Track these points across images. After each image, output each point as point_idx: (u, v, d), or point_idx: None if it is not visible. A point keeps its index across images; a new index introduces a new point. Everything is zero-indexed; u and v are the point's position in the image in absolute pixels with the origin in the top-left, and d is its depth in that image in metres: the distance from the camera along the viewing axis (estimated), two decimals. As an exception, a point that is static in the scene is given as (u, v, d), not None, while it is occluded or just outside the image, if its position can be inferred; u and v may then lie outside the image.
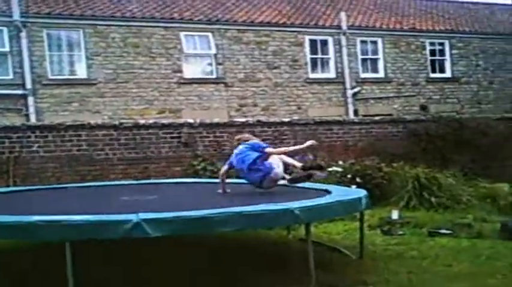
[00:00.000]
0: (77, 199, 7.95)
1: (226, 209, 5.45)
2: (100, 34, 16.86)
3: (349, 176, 11.21)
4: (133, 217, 4.92)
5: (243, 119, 13.98)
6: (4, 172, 11.13)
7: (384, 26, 21.21)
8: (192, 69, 18.21)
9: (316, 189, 7.70)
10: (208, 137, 12.79)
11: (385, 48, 20.92)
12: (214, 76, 18.32)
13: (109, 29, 16.97)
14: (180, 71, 17.72)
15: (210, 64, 18.47)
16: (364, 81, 20.40)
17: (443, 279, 6.01)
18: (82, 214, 5.18)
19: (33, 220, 4.94)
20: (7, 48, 15.92)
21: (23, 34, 15.86)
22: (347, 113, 19.43)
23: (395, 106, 20.56)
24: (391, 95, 20.71)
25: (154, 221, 4.99)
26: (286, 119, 14.28)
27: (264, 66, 18.83)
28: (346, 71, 19.93)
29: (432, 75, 21.71)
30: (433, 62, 21.87)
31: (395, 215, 8.99)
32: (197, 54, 18.43)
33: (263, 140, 12.98)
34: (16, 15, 15.69)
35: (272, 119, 14.44)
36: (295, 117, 16.00)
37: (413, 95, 21.04)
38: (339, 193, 7.04)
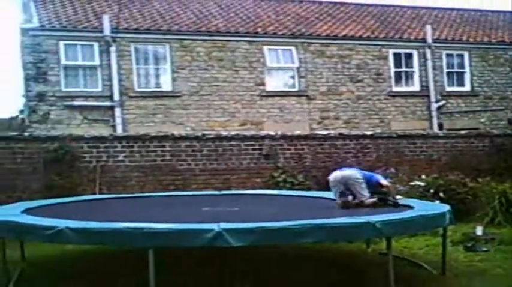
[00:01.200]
0: (161, 208, 8.21)
1: (307, 221, 5.51)
2: (185, 48, 17.32)
3: (431, 190, 10.96)
4: (215, 227, 5.06)
5: (325, 132, 13.98)
6: (91, 180, 11.62)
7: (471, 39, 20.68)
8: (274, 83, 18.36)
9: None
10: (290, 149, 12.88)
11: (472, 62, 20.37)
12: (296, 89, 18.40)
13: (194, 43, 17.39)
14: (263, 84, 17.92)
15: (293, 77, 18.56)
16: (450, 94, 19.92)
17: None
18: (165, 222, 5.37)
19: (120, 227, 5.18)
20: (97, 62, 16.59)
21: (113, 49, 16.52)
22: (431, 127, 19.02)
23: (482, 120, 19.95)
24: (478, 109, 20.11)
25: (236, 231, 5.14)
26: (369, 133, 14.17)
27: (347, 80, 18.75)
28: (431, 85, 19.53)
29: (521, 89, 20.91)
30: (522, 75, 21.06)
31: (479, 231, 8.73)
32: (280, 68, 18.57)
33: (345, 153, 13.08)
34: (107, 31, 16.37)
35: (354, 132, 14.34)
36: (378, 130, 15.82)
37: (501, 109, 20.32)
38: (422, 208, 6.94)
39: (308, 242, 5.80)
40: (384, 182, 7.86)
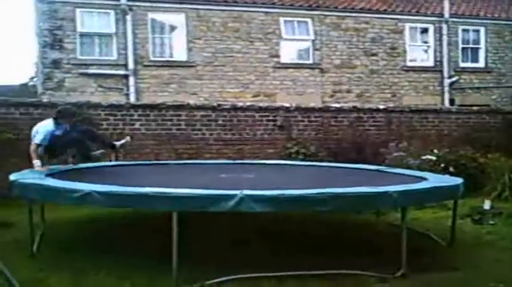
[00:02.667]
0: (179, 175, 8.43)
1: (327, 189, 5.70)
2: (201, 18, 17.38)
3: (442, 165, 11.13)
4: (238, 193, 5.29)
5: (339, 105, 14.11)
6: (108, 148, 11.82)
7: (488, 15, 20.57)
8: (288, 54, 18.45)
9: (412, 175, 7.82)
10: (303, 121, 13.05)
11: (488, 38, 20.34)
12: (310, 62, 18.49)
13: (210, 13, 17.45)
14: (277, 56, 18.01)
15: (307, 49, 18.63)
16: (463, 70, 19.96)
17: (534, 269, 5.99)
18: (187, 188, 5.59)
19: (147, 191, 5.42)
20: (113, 30, 16.72)
21: (129, 17, 16.63)
22: (443, 103, 19.11)
23: (494, 97, 19.99)
24: (490, 85, 20.15)
25: (258, 198, 5.36)
26: (382, 106, 14.29)
27: (361, 53, 18.81)
28: (445, 60, 19.58)
29: (536, 65, 20.89)
30: (537, 52, 21.00)
31: (487, 205, 8.91)
32: (295, 39, 18.63)
33: (358, 126, 13.24)
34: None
35: (368, 106, 14.46)
36: (390, 104, 15.93)
37: (514, 86, 20.37)
38: (436, 180, 7.11)
39: (328, 210, 5.99)
40: None
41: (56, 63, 16.08)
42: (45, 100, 12.76)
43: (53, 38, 16.10)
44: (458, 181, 7.00)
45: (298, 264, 5.85)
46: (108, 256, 6.29)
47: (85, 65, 16.33)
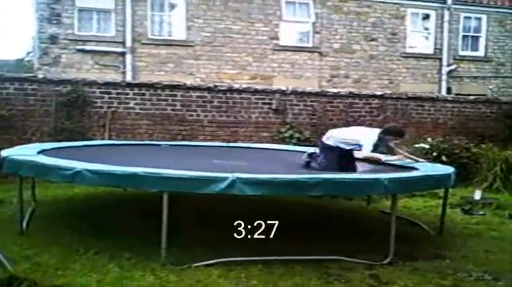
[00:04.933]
0: (171, 156, 8.44)
1: (319, 175, 5.77)
2: (201, -4, 17.27)
3: (435, 153, 11.17)
4: (229, 175, 5.32)
5: (335, 90, 14.07)
6: (101, 126, 11.80)
7: (492, 2, 20.38)
8: (288, 37, 18.33)
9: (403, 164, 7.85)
10: (299, 105, 13.01)
11: (489, 26, 20.24)
12: (310, 45, 18.41)
13: (210, -8, 17.32)
14: (277, 38, 17.91)
15: (307, 32, 18.53)
16: (462, 59, 19.89)
17: (520, 260, 6.05)
18: (180, 169, 5.60)
19: (138, 171, 5.43)
20: (112, 6, 16.56)
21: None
22: (439, 91, 19.06)
23: (491, 87, 19.90)
24: (489, 74, 20.11)
25: (249, 181, 5.40)
26: (378, 93, 14.27)
27: (361, 38, 18.72)
28: (445, 48, 19.51)
29: (535, 56, 20.84)
30: (538, 43, 20.94)
31: (478, 195, 8.97)
32: (295, 22, 18.52)
33: (354, 111, 13.23)
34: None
35: (364, 92, 14.44)
36: (387, 91, 15.91)
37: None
38: (427, 169, 7.14)
39: (320, 194, 6.02)
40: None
41: (53, 39, 15.97)
42: (40, 76, 12.69)
43: (51, 12, 15.96)
44: (450, 169, 7.04)
45: (285, 249, 5.90)
46: (98, 235, 6.32)
47: (82, 41, 16.22)
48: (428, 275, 5.40)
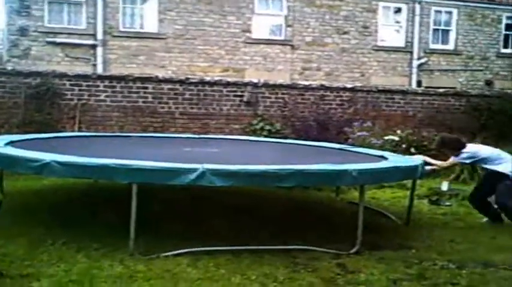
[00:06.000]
0: (142, 148, 8.41)
1: (288, 166, 5.79)
2: (175, -11, 17.18)
3: (404, 145, 11.30)
4: (199, 167, 5.33)
5: (306, 82, 14.15)
6: (71, 118, 11.75)
7: (462, -4, 20.67)
8: (260, 30, 18.36)
9: (372, 155, 7.95)
10: (270, 97, 13.07)
11: (459, 20, 20.48)
12: (282, 38, 18.46)
13: (184, -15, 17.26)
14: (249, 31, 17.92)
15: (280, 25, 18.56)
16: (433, 52, 20.13)
17: (485, 249, 6.18)
18: (149, 160, 5.60)
19: (107, 163, 5.43)
20: (83, -2, 16.46)
21: (97, -15, 16.33)
22: (410, 84, 19.28)
23: (461, 80, 20.24)
24: (458, 68, 20.38)
25: (219, 172, 5.41)
26: (349, 85, 14.38)
27: (333, 31, 18.82)
28: (416, 41, 19.73)
29: (503, 50, 21.15)
30: (506, 36, 21.22)
31: (445, 186, 9.09)
32: (268, 15, 18.53)
33: (325, 104, 13.33)
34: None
35: (335, 85, 14.53)
36: (358, 84, 16.03)
37: (481, 70, 20.62)
38: (396, 160, 7.25)
39: (289, 185, 6.06)
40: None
41: (22, 31, 15.80)
42: (9, 68, 12.55)
43: (20, 4, 15.78)
44: (418, 161, 7.14)
45: (254, 239, 5.95)
46: (66, 226, 6.28)
47: (53, 33, 16.07)
48: (394, 264, 5.49)
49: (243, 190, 7.89)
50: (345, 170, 5.89)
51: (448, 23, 20.54)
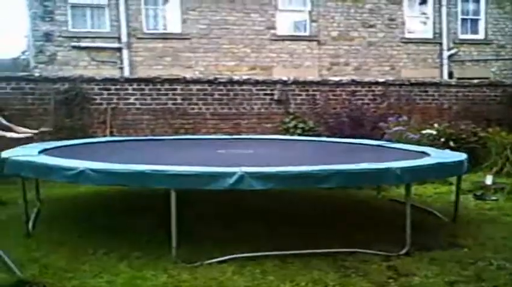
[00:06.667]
0: (175, 151, 8.26)
1: (330, 166, 5.55)
2: (196, -11, 17.03)
3: (442, 139, 11.00)
4: (237, 170, 5.13)
5: (337, 78, 13.88)
6: (102, 123, 11.67)
7: (489, -16, 20.21)
8: (285, 26, 18.10)
9: (413, 151, 7.68)
10: (301, 95, 12.85)
11: (488, 8, 20.01)
12: (307, 34, 18.18)
13: (205, -16, 17.10)
14: (273, 28, 17.67)
15: (304, 21, 18.30)
16: (463, 42, 19.65)
17: (538, 246, 5.88)
18: (185, 165, 5.42)
19: (144, 169, 5.26)
20: (105, 2, 16.31)
21: (121, -12, 16.27)
22: (441, 75, 18.87)
23: (493, 69, 19.76)
24: (489, 57, 19.92)
25: (258, 175, 5.21)
26: (381, 79, 14.09)
27: (359, 25, 18.48)
28: (444, 32, 19.26)
29: (535, 38, 20.64)
30: (538, 23, 20.72)
31: (489, 180, 8.80)
32: (291, 11, 18.28)
33: (357, 99, 13.07)
34: (115, -30, 16.12)
35: (367, 79, 14.25)
36: (389, 77, 15.71)
37: (513, 59, 20.15)
38: (439, 155, 6.97)
39: (331, 186, 5.83)
40: None
41: (47, 36, 15.74)
42: (37, 74, 12.50)
43: (44, 10, 15.71)
44: (463, 156, 6.84)
45: (298, 242, 5.74)
46: (105, 233, 6.17)
47: (77, 37, 15.97)
48: (448, 265, 5.24)
49: (276, 191, 7.69)
50: (389, 169, 5.65)
51: (476, 12, 20.04)
